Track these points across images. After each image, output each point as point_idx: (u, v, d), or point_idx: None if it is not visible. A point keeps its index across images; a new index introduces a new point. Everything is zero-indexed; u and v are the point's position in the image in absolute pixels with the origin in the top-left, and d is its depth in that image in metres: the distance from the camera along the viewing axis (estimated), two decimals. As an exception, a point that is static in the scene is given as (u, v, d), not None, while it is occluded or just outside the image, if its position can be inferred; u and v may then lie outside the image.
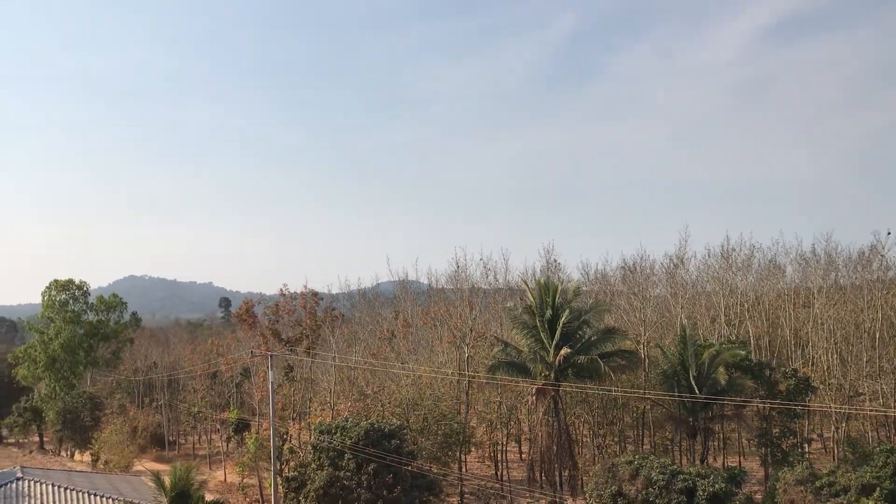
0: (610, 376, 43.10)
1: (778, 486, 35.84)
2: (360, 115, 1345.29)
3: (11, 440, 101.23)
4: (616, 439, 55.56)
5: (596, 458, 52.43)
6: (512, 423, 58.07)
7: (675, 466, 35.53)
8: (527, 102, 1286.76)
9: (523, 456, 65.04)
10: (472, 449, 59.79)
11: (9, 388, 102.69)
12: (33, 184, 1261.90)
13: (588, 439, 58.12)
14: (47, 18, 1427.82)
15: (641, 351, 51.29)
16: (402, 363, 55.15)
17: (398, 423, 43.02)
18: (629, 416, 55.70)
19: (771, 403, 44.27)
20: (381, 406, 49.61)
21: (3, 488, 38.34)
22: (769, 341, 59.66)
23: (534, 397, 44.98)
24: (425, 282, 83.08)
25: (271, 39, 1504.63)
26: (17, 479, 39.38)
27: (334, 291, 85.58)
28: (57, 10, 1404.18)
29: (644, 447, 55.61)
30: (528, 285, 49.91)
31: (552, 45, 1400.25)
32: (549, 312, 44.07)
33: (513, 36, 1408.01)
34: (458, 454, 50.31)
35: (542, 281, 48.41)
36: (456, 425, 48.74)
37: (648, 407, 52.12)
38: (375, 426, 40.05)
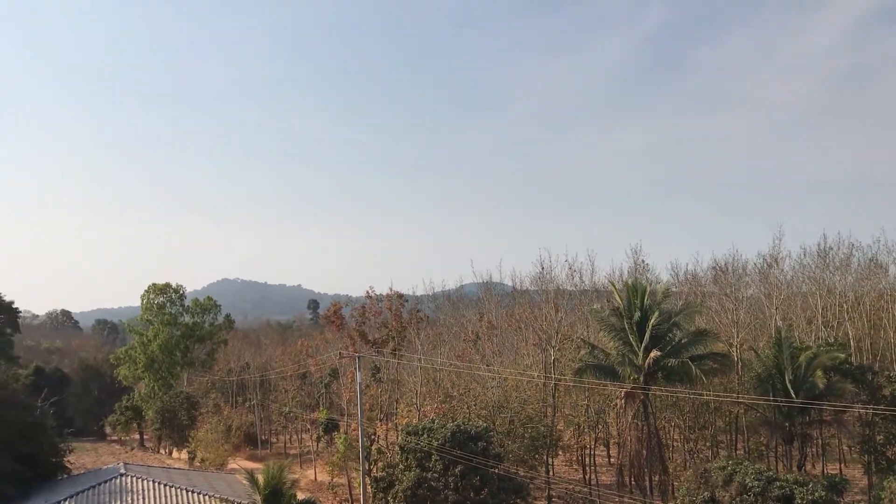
0: (701, 380, 41.94)
1: (883, 496, 34.20)
2: (450, 114, 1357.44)
3: (114, 437, 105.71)
4: (708, 444, 54.09)
5: (687, 463, 51.16)
6: (600, 426, 57.29)
7: (771, 473, 34.29)
8: (618, 97, 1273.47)
9: (612, 460, 64.07)
10: (560, 452, 59.23)
11: (111, 388, 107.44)
12: (134, 191, 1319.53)
13: (679, 444, 56.79)
14: (171, 30, 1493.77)
15: (734, 353, 49.82)
16: (487, 365, 55.08)
17: (484, 425, 42.94)
18: (722, 421, 54.12)
19: (874, 409, 42.29)
20: (467, 408, 49.66)
21: (108, 483, 40.08)
22: (871, 344, 57.04)
23: (622, 401, 44.20)
24: (509, 283, 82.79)
25: (366, 44, 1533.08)
26: (121, 475, 41.09)
27: (419, 293, 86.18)
28: (177, 21, 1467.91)
29: (738, 452, 53.98)
30: (615, 287, 49.13)
31: (642, 38, 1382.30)
32: (637, 314, 43.24)
33: (603, 31, 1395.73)
34: (545, 457, 49.92)
35: (629, 282, 47.57)
36: (543, 428, 48.37)
37: (742, 411, 50.57)
38: (462, 428, 40.09)
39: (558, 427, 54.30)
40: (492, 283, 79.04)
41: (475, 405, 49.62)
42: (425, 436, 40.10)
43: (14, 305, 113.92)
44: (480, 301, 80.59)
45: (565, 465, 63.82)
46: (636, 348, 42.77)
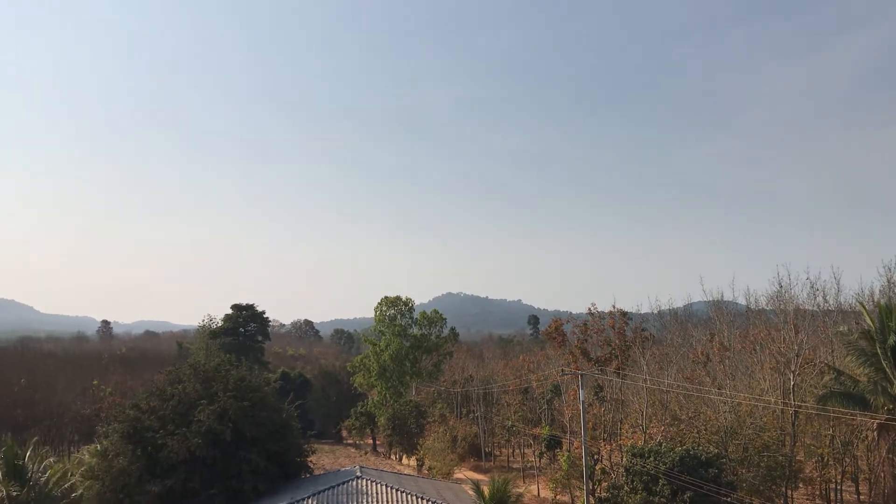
0: (972, 414, 37.07)
1: None
2: (675, 126, 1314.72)
3: (350, 441, 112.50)
4: (981, 488, 47.61)
5: (955, 508, 45.34)
6: (847, 459, 52.42)
7: None
8: (866, 100, 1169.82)
9: (862, 497, 58.34)
10: (801, 485, 54.93)
11: (347, 394, 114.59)
12: (367, 212, 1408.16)
13: (943, 485, 50.49)
14: (376, 59, 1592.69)
15: None
16: (718, 388, 52.38)
17: (716, 451, 40.90)
18: None
19: None
20: (696, 432, 47.49)
21: (345, 485, 42.47)
22: None
23: (874, 433, 40.11)
24: (743, 302, 78.17)
25: (583, 60, 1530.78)
26: (357, 477, 43.34)
27: (643, 311, 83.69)
28: (382, 51, 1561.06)
29: None
30: (864, 307, 44.80)
31: (891, 37, 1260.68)
32: (891, 338, 39.06)
33: (848, 29, 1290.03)
34: (783, 489, 46.52)
35: (882, 303, 43.19)
36: (781, 458, 45.13)
37: None
38: (691, 453, 38.49)
39: (798, 458, 50.40)
40: (723, 301, 75.09)
41: (705, 430, 47.32)
42: (652, 458, 38.94)
43: (265, 315, 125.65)
44: (710, 320, 76.87)
45: (807, 499, 59.02)
46: (890, 376, 38.68)
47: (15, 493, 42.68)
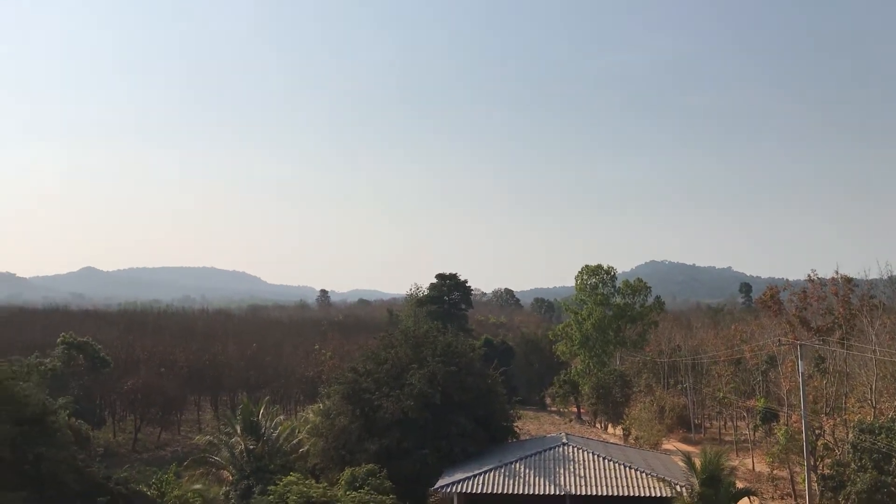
0: None
1: None
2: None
3: (553, 408, 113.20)
4: None
5: None
6: None
7: None
8: None
9: None
10: None
11: (549, 362, 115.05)
12: (567, 185, 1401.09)
13: None
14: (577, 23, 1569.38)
15: None
16: (963, 361, 47.29)
17: (960, 430, 37.04)
18: None
19: None
20: (937, 409, 43.29)
21: (552, 451, 42.98)
22: None
23: None
24: None
25: (777, 20, 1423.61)
26: (563, 444, 43.71)
27: (871, 277, 76.83)
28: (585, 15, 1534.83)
29: None
30: None
31: None
32: None
33: None
34: None
35: None
36: None
37: None
38: (931, 431, 35.20)
39: None
40: (967, 265, 67.45)
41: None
42: (884, 435, 36.03)
43: (468, 284, 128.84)
44: (953, 287, 69.36)
45: None
46: None
47: (251, 447, 47.18)
